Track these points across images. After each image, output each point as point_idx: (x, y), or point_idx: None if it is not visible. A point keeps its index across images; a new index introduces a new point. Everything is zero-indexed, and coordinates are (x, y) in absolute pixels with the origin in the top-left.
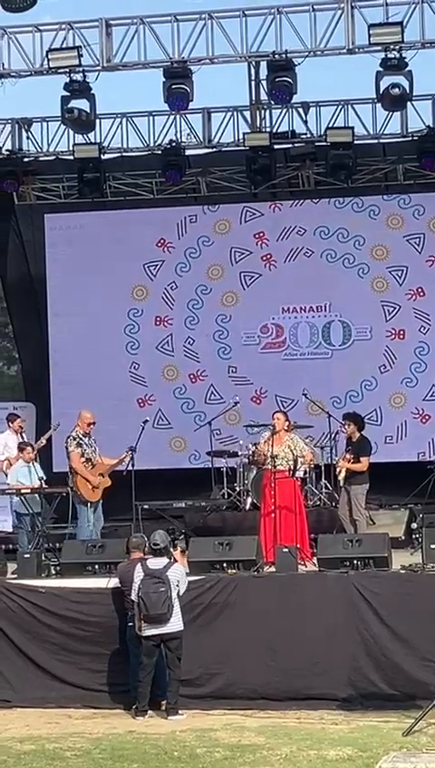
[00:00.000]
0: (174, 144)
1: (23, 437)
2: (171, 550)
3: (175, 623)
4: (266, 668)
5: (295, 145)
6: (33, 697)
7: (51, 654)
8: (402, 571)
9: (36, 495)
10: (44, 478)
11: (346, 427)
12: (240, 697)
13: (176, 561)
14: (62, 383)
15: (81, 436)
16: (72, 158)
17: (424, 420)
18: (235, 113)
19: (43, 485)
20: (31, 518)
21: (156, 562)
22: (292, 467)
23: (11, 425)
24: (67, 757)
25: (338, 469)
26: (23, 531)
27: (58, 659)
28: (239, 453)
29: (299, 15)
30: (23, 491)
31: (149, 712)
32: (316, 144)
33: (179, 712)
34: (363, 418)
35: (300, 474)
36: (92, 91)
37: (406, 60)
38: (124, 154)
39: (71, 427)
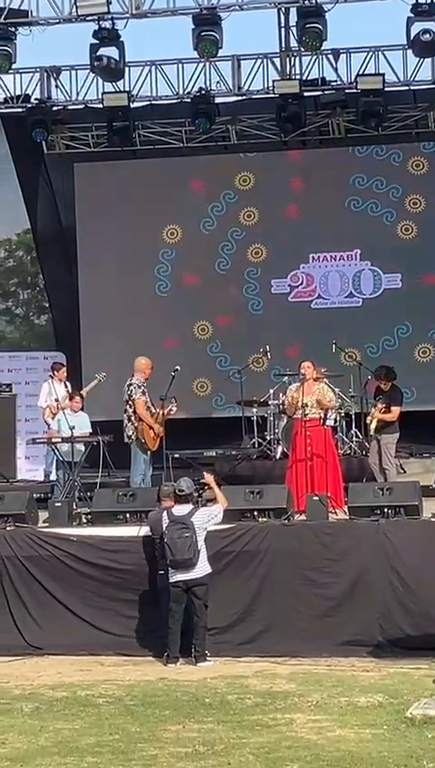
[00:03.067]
0: (203, 92)
1: (66, 386)
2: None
3: (201, 568)
4: (297, 616)
5: (325, 92)
6: (65, 644)
7: (82, 601)
8: (433, 519)
9: (78, 445)
10: (74, 427)
11: (382, 384)
12: (271, 644)
13: (202, 506)
14: (92, 332)
15: (143, 383)
16: (101, 106)
17: None
18: (264, 60)
19: (74, 435)
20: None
21: (181, 509)
22: (322, 416)
23: (56, 374)
24: (99, 704)
25: (369, 419)
26: (59, 480)
27: (90, 607)
28: (270, 402)
29: None
30: (54, 440)
31: (181, 659)
32: (346, 91)
33: (208, 659)
34: (393, 368)
35: (330, 422)
36: (121, 39)
37: None
38: (153, 102)
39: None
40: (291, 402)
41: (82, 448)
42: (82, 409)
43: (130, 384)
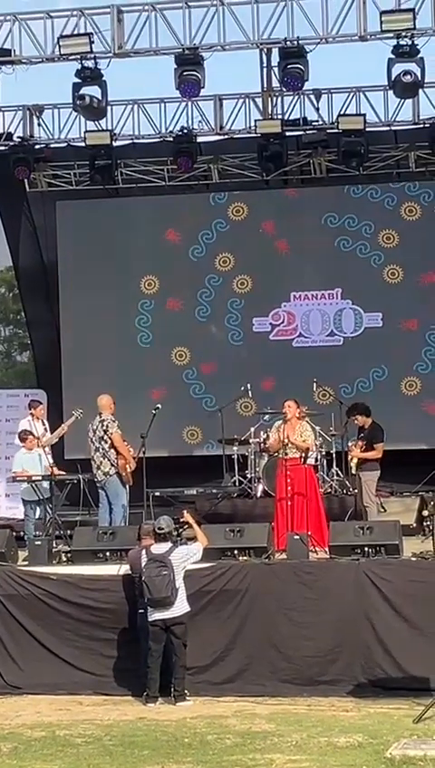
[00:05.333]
0: (186, 131)
1: (44, 424)
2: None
3: (179, 607)
4: (277, 655)
5: (307, 132)
6: (45, 684)
7: (62, 640)
8: (413, 559)
9: (45, 483)
10: (54, 465)
11: (355, 420)
12: (251, 684)
13: (181, 544)
14: (73, 370)
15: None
16: (83, 144)
17: None
18: (246, 100)
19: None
20: (40, 505)
21: (159, 547)
22: (303, 455)
23: (33, 411)
24: (78, 744)
25: (350, 457)
26: (29, 518)
27: (69, 646)
28: (250, 440)
29: (311, 2)
30: (33, 477)
31: (160, 699)
32: (328, 131)
33: (187, 698)
34: (368, 406)
35: (311, 461)
36: (104, 78)
37: (418, 47)
38: (136, 141)
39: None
40: (274, 442)
41: (47, 486)
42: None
43: (103, 420)
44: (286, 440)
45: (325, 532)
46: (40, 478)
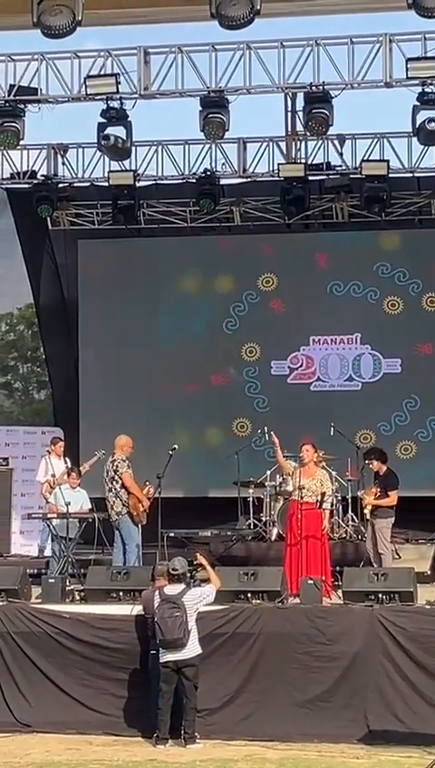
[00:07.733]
0: (209, 173)
1: (66, 462)
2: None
3: (191, 649)
4: (288, 699)
5: (330, 177)
6: (55, 722)
7: (73, 679)
8: (427, 606)
9: (73, 521)
10: (70, 503)
11: (371, 464)
12: (261, 728)
13: (194, 586)
14: (91, 408)
15: (126, 459)
16: (106, 184)
17: None
18: (270, 143)
19: (72, 510)
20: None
21: (173, 588)
22: (319, 500)
23: (53, 448)
24: None
25: (364, 504)
26: (56, 555)
27: (80, 685)
28: (266, 483)
29: (337, 48)
30: (49, 515)
31: (170, 740)
32: (351, 176)
33: (197, 741)
34: (385, 452)
35: (327, 506)
36: (129, 119)
37: None
38: (159, 182)
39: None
40: (289, 474)
41: (78, 524)
42: (79, 485)
43: (114, 460)
44: (301, 483)
45: (329, 578)
46: (55, 516)
